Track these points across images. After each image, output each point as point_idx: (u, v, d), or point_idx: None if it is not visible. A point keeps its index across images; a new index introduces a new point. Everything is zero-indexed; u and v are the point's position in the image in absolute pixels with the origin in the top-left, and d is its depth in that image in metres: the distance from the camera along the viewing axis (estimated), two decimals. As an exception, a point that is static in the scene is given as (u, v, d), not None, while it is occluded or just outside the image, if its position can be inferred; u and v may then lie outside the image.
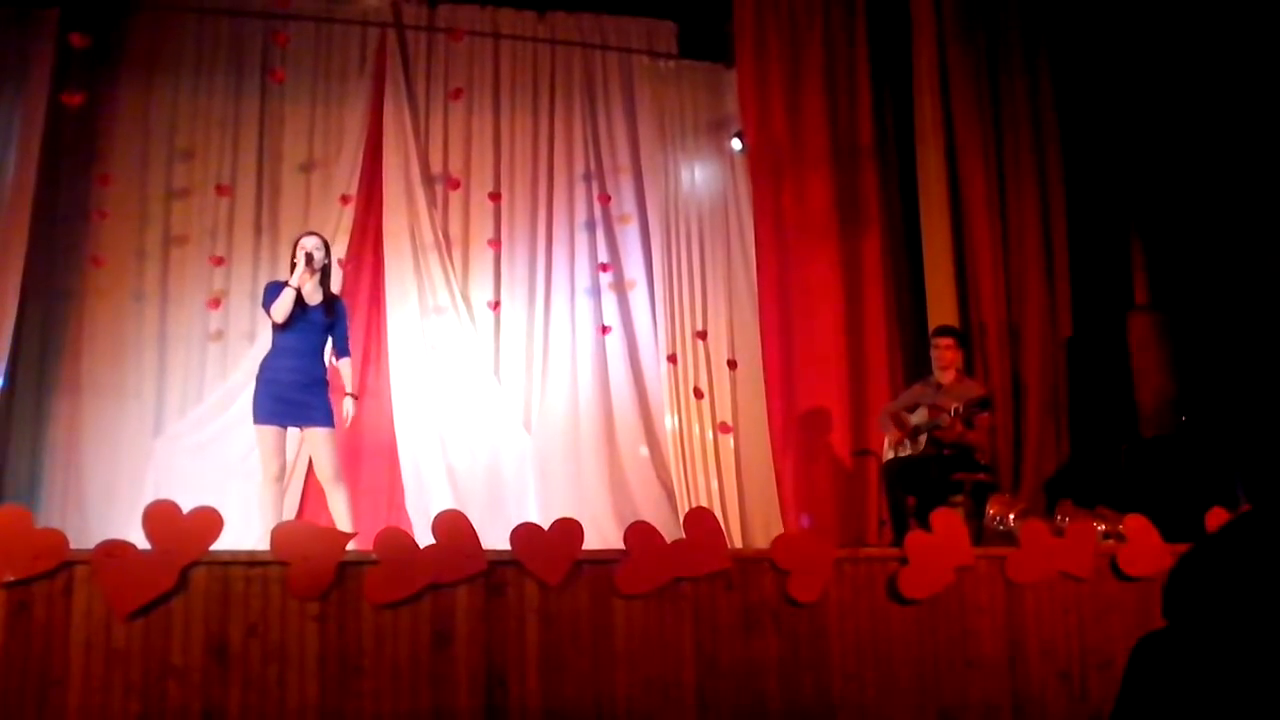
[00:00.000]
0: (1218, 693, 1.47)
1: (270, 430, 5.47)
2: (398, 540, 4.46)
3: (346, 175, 7.51)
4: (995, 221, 7.05)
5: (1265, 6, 6.33)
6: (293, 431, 5.61)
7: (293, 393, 5.45)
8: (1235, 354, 6.46)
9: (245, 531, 5.57)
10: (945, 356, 6.36)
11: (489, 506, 6.99)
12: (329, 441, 5.53)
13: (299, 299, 5.50)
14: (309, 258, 5.52)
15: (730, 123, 7.88)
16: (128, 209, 7.30)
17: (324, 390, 5.60)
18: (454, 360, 7.51)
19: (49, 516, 6.10)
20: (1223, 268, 6.64)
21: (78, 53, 7.15)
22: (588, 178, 8.01)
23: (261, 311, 7.16)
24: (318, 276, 5.59)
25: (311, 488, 6.75)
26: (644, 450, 7.69)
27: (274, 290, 5.56)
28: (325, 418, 5.53)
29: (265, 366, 5.56)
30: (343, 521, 5.41)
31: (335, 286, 5.63)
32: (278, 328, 5.54)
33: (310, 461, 6.45)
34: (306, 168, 7.60)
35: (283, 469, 5.59)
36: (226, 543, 4.32)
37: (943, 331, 6.53)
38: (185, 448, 7.00)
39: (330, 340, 5.67)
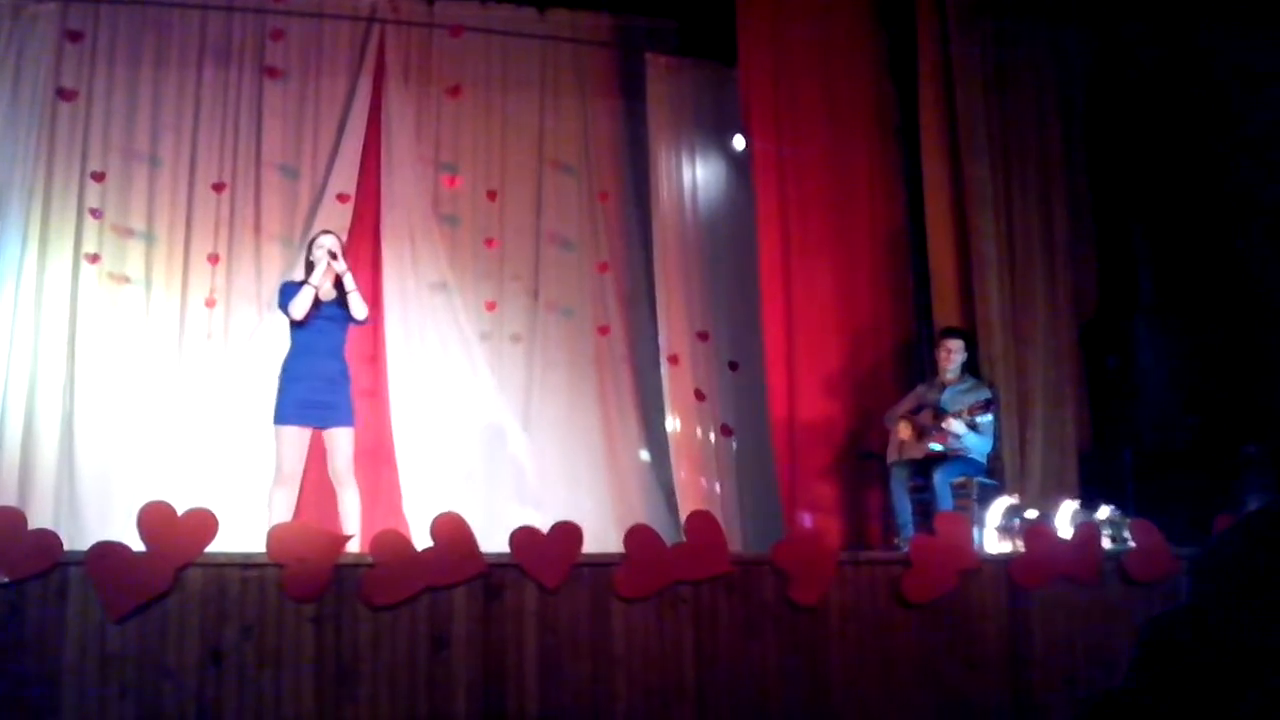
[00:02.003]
0: (1233, 670, 1.46)
1: (292, 431, 5.50)
2: (395, 542, 4.44)
3: (344, 173, 7.46)
4: (999, 220, 7.00)
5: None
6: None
7: (319, 394, 5.49)
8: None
9: (242, 532, 5.52)
10: (950, 358, 6.35)
11: (487, 509, 6.95)
12: (348, 439, 5.59)
13: (315, 297, 5.54)
14: (332, 255, 5.56)
15: (731, 121, 7.83)
16: (122, 206, 7.25)
17: (347, 387, 5.67)
18: (452, 361, 7.47)
19: (42, 517, 6.04)
20: (1228, 268, 6.61)
21: (73, 48, 7.13)
22: (587, 176, 7.97)
23: (256, 310, 7.22)
24: (332, 275, 5.60)
25: (308, 489, 6.70)
26: (644, 455, 7.65)
27: (291, 290, 5.60)
28: (348, 417, 5.61)
29: (287, 368, 5.58)
30: (352, 518, 5.44)
31: (349, 284, 5.62)
32: (296, 326, 5.56)
33: (308, 462, 6.42)
34: (303, 166, 7.55)
35: (296, 470, 5.59)
36: (222, 544, 4.29)
37: (949, 333, 6.52)
38: (180, 448, 6.95)
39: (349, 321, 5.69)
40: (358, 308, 5.61)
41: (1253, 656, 1.45)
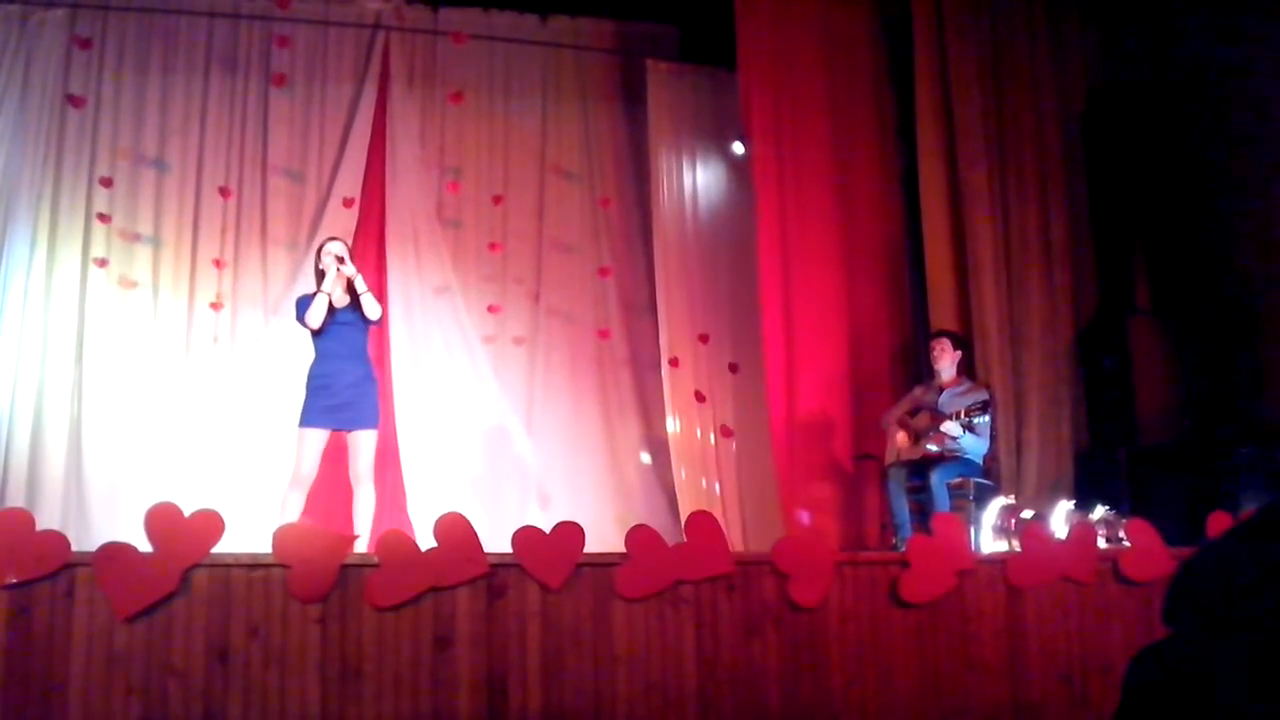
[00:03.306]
0: (1219, 704, 1.46)
1: (315, 433, 5.55)
2: (399, 543, 4.47)
3: (349, 178, 7.51)
4: (997, 223, 7.05)
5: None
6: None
7: (344, 397, 5.55)
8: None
9: (248, 533, 5.57)
10: (940, 359, 6.40)
11: (490, 509, 6.99)
12: (370, 441, 5.67)
13: (329, 304, 5.60)
14: (340, 260, 5.60)
15: (731, 126, 7.88)
16: (130, 211, 7.31)
17: (373, 389, 5.73)
18: (455, 363, 7.52)
19: (50, 519, 6.09)
20: (1223, 271, 6.64)
21: (81, 54, 7.18)
22: (589, 181, 8.01)
23: (262, 313, 7.28)
24: (343, 280, 5.64)
25: (317, 490, 6.74)
26: (645, 456, 7.69)
27: (305, 302, 5.65)
28: (372, 419, 5.66)
29: (313, 374, 5.65)
30: (365, 517, 5.51)
31: (360, 286, 5.67)
32: (316, 334, 5.62)
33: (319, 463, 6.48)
34: (309, 171, 7.60)
35: (314, 473, 5.63)
36: (228, 545, 4.33)
37: (937, 334, 6.59)
38: (187, 450, 7.00)
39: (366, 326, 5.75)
40: (371, 308, 5.65)
41: (1237, 686, 1.44)
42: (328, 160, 7.61)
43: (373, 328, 5.91)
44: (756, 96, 7.33)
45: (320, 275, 5.68)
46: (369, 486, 5.62)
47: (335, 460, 5.94)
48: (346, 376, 5.59)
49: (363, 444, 5.63)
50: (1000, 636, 4.84)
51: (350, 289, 5.67)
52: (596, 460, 7.62)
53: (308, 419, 5.56)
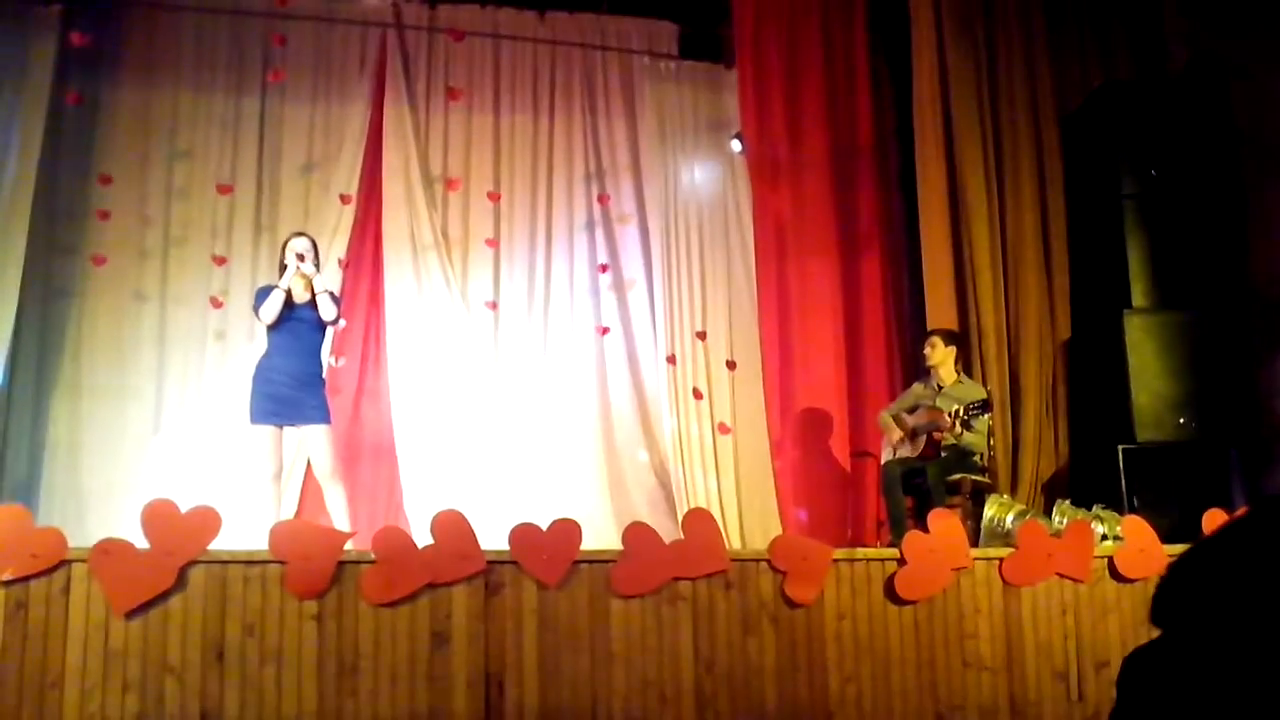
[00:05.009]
0: (1212, 705, 1.46)
1: (267, 429, 5.54)
2: (396, 540, 4.48)
3: (346, 175, 7.51)
4: (994, 223, 7.05)
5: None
6: (290, 431, 5.64)
7: (288, 391, 5.52)
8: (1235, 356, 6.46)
9: (244, 531, 5.57)
10: (930, 357, 6.41)
11: (487, 506, 6.99)
12: (326, 438, 5.61)
13: (288, 299, 5.58)
14: (300, 259, 5.58)
15: (730, 123, 7.88)
16: (128, 208, 7.30)
17: (320, 387, 5.69)
18: (452, 360, 7.51)
19: (48, 515, 6.09)
20: (1222, 270, 6.65)
21: (79, 51, 7.17)
22: (587, 178, 8.01)
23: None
24: (303, 279, 5.64)
25: (309, 487, 6.76)
26: (643, 453, 7.69)
27: (263, 294, 5.64)
28: (321, 415, 5.61)
29: (260, 367, 5.64)
30: (340, 518, 5.47)
31: (333, 284, 5.66)
32: (271, 328, 5.61)
33: (308, 460, 6.48)
34: (307, 167, 7.60)
35: (280, 468, 5.64)
36: (225, 542, 4.34)
37: (929, 333, 6.60)
38: (184, 447, 7.00)
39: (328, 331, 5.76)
40: (325, 310, 5.65)
41: (1228, 687, 1.44)
42: (326, 157, 7.60)
43: (338, 326, 5.89)
44: (754, 95, 7.33)
45: (284, 269, 5.68)
46: (336, 485, 5.59)
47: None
48: (293, 373, 5.58)
49: (317, 441, 5.60)
50: (997, 634, 4.86)
51: (310, 287, 5.66)
52: (594, 457, 7.61)
53: (255, 415, 5.56)
